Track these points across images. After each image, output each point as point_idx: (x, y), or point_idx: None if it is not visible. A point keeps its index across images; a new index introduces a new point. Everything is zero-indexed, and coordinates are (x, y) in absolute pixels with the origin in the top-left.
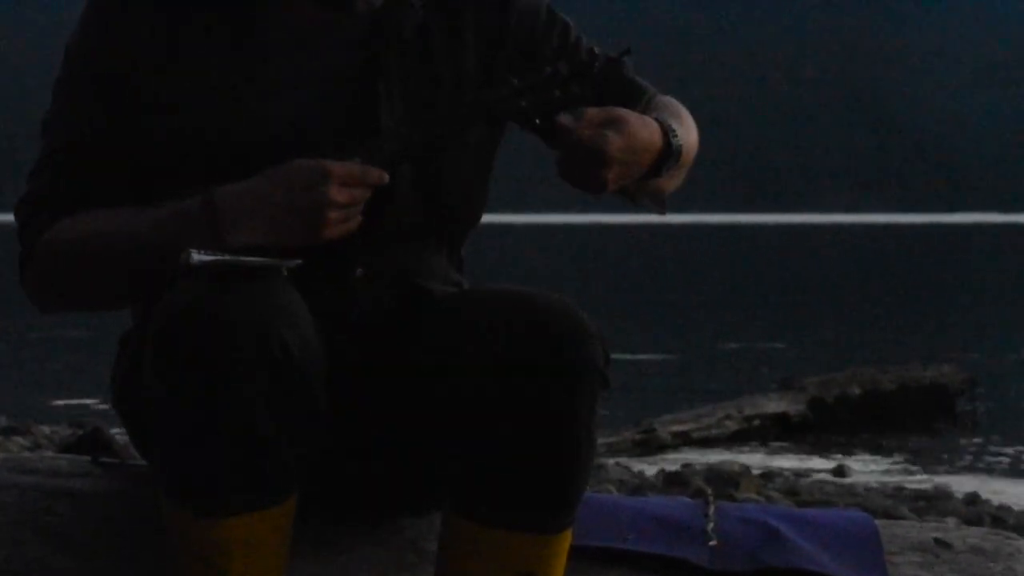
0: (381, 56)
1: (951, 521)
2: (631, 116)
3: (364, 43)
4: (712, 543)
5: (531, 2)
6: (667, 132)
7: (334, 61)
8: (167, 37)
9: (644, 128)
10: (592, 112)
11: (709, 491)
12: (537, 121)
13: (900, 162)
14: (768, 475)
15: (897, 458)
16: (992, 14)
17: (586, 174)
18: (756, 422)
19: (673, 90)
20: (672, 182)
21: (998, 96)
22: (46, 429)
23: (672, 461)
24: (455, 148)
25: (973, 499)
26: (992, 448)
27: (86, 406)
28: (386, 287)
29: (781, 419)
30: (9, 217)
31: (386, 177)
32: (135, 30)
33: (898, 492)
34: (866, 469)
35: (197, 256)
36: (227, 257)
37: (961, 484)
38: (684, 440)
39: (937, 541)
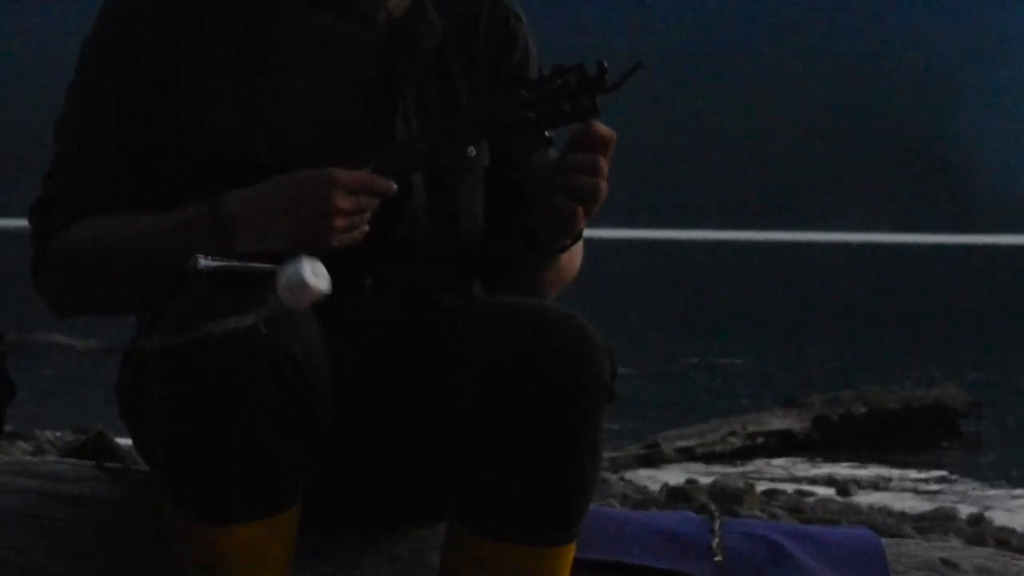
0: (399, 70)
1: (956, 541)
2: None
3: (382, 56)
4: (717, 558)
5: (527, 42)
6: None
7: (351, 73)
8: (180, 48)
9: None
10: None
11: (713, 507)
12: (547, 133)
13: (910, 182)
14: (772, 492)
15: (901, 478)
16: (1006, 35)
17: (591, 181)
18: (760, 439)
19: (684, 108)
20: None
21: (1010, 116)
22: (49, 434)
23: (676, 477)
24: (464, 162)
25: (977, 519)
26: (996, 469)
27: (90, 411)
28: (395, 298)
29: (785, 436)
30: (11, 222)
31: (394, 187)
32: (148, 40)
33: (901, 512)
34: (870, 488)
35: (204, 262)
36: (234, 263)
37: (965, 504)
38: (688, 456)
39: (943, 561)
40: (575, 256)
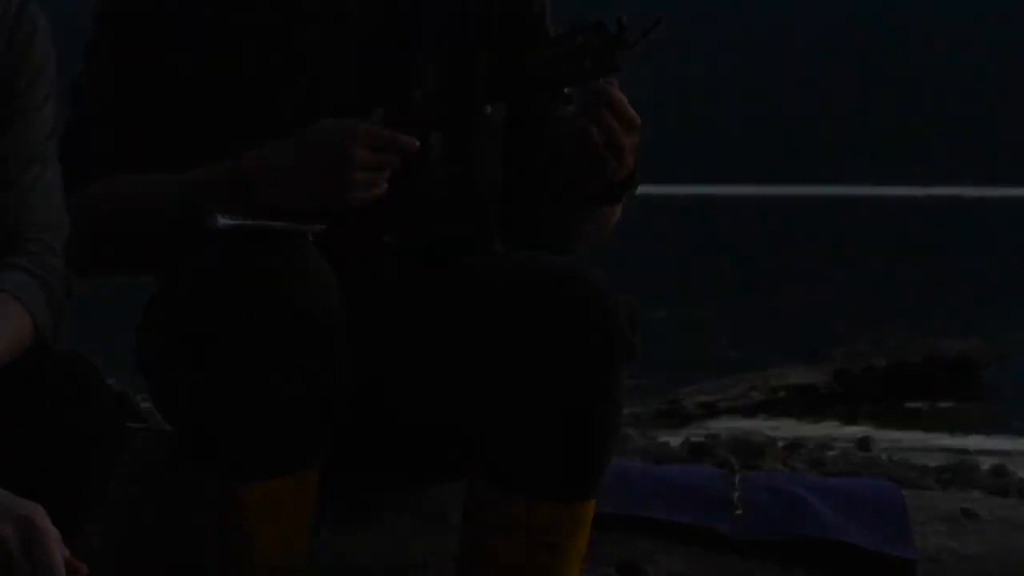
0: (418, 25)
1: (977, 493)
2: None
3: (401, 11)
4: (738, 512)
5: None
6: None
7: (370, 29)
8: (203, 2)
9: None
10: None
11: (734, 461)
12: (566, 91)
13: (927, 135)
14: (793, 446)
15: (923, 430)
16: None
17: (582, 118)
18: (781, 393)
19: (703, 60)
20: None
21: None
22: None
23: (697, 432)
24: (481, 119)
25: (999, 471)
26: (1018, 421)
27: (111, 372)
28: (414, 255)
29: (807, 390)
30: None
31: (416, 144)
32: None
33: (924, 464)
34: (891, 441)
35: (223, 220)
36: (252, 221)
37: (987, 456)
38: (709, 411)
39: (964, 511)
40: (611, 214)
